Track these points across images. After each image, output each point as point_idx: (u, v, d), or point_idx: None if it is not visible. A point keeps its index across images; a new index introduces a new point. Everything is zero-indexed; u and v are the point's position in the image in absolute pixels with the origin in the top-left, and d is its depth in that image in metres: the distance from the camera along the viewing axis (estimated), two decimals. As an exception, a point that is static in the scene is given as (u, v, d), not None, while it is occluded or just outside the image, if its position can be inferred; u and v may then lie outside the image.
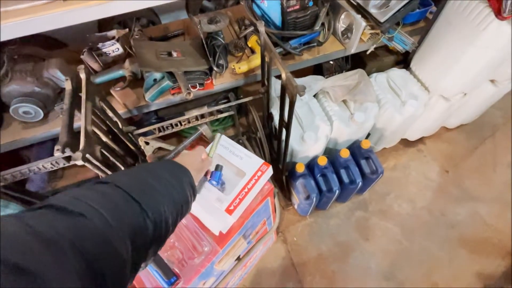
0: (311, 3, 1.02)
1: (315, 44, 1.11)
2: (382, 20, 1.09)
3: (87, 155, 0.63)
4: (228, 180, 0.64)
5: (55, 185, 1.42)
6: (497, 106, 1.55)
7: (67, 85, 0.75)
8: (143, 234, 0.34)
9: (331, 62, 1.39)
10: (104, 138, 0.81)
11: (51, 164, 0.93)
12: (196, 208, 0.62)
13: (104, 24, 1.45)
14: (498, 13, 0.88)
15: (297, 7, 1.01)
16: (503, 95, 1.37)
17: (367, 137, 1.40)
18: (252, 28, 1.17)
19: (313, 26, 1.06)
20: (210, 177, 0.64)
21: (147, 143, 0.69)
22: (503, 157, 1.49)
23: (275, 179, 1.44)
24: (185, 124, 1.03)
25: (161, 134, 1.07)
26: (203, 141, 0.72)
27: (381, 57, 1.37)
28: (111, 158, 0.79)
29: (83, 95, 0.73)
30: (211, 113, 1.11)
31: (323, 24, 1.08)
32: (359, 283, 1.18)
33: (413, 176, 1.45)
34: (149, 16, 1.60)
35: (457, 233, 1.28)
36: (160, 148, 0.73)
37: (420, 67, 1.26)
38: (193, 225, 0.62)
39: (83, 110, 0.69)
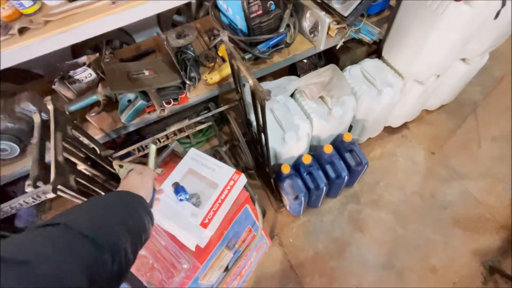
0: (273, 7, 1.04)
1: (284, 45, 1.12)
2: (346, 14, 1.10)
3: (59, 186, 0.63)
4: (202, 194, 0.64)
5: (45, 217, 1.41)
6: (474, 83, 1.57)
7: (36, 118, 0.75)
8: (101, 270, 0.34)
9: (305, 61, 1.40)
10: (80, 166, 0.81)
11: (33, 198, 0.92)
12: (171, 226, 0.62)
13: (77, 50, 1.46)
14: (453, -6, 0.89)
15: (260, 12, 1.03)
16: (478, 71, 1.39)
17: (349, 130, 1.41)
18: (220, 38, 1.18)
19: (278, 28, 1.07)
20: (176, 194, 0.64)
21: (121, 166, 0.68)
22: (486, 132, 1.50)
23: (266, 182, 1.45)
24: (164, 141, 1.04)
25: (141, 153, 1.07)
26: (178, 157, 0.72)
27: (353, 49, 1.38)
28: (90, 185, 0.79)
29: (51, 126, 0.72)
30: (189, 126, 1.11)
31: (288, 25, 1.10)
32: (358, 277, 1.18)
33: (400, 163, 1.46)
34: (121, 37, 1.61)
35: (449, 214, 1.29)
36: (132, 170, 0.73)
37: (391, 55, 1.28)
38: (171, 244, 0.62)
39: (52, 141, 0.69)
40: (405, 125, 1.56)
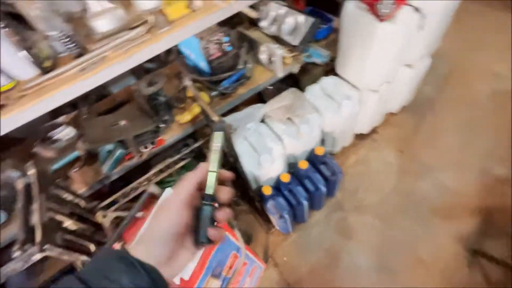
0: (229, 48, 1.16)
1: (245, 79, 1.24)
2: (295, 44, 1.24)
3: (46, 246, 0.67)
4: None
5: (38, 280, 1.38)
6: (427, 82, 1.73)
7: (19, 184, 0.80)
8: None
9: (270, 87, 1.52)
10: (67, 222, 0.85)
11: (22, 262, 0.94)
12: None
13: (55, 110, 1.53)
14: (378, 17, 1.04)
15: (218, 54, 1.15)
16: (425, 72, 1.55)
17: (323, 143, 1.51)
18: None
19: (236, 66, 1.19)
20: None
21: (104, 216, 0.73)
22: (445, 124, 1.63)
23: (253, 206, 1.50)
24: (146, 184, 1.09)
25: (127, 199, 1.11)
26: (156, 198, 0.78)
27: (311, 70, 1.52)
28: (78, 240, 0.83)
29: (34, 189, 0.78)
30: (170, 165, 1.17)
31: (245, 61, 1.22)
32: (354, 284, 1.21)
33: (374, 166, 1.55)
34: (97, 91, 1.70)
35: (427, 206, 1.36)
36: (117, 217, 0.78)
37: (344, 70, 1.42)
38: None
39: (36, 204, 0.74)
40: (374, 130, 1.68)
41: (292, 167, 1.46)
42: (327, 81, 1.45)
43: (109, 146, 1.10)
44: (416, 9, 1.09)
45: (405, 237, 1.29)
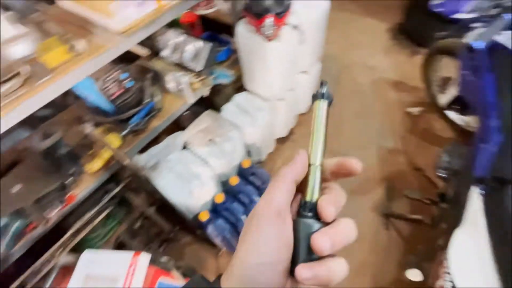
0: (131, 83, 1.12)
1: (156, 111, 1.21)
2: (199, 69, 1.29)
3: None
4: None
5: None
6: (332, 87, 2.01)
7: None
8: None
9: (186, 113, 1.53)
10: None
11: None
12: None
13: None
14: (265, 38, 1.17)
15: (120, 91, 1.10)
16: (320, 74, 1.80)
17: (249, 155, 1.59)
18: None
19: (143, 100, 1.16)
20: None
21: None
22: (345, 114, 1.93)
23: (196, 235, 1.45)
24: (61, 251, 0.95)
25: (40, 275, 0.94)
26: (71, 269, 0.68)
27: (223, 90, 1.59)
28: None
29: None
30: (87, 222, 1.05)
31: (152, 94, 1.20)
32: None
33: (299, 163, 1.71)
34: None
35: (348, 188, 1.57)
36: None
37: (252, 86, 1.53)
38: None
39: None
40: (291, 132, 1.85)
41: (225, 185, 1.49)
42: (240, 98, 1.54)
43: (2, 221, 0.92)
44: (295, 27, 1.27)
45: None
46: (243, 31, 1.26)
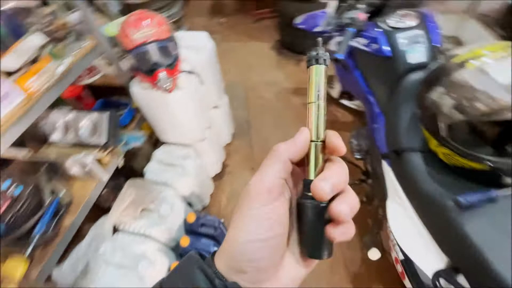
0: (18, 189, 0.92)
1: (65, 207, 1.03)
2: (103, 142, 1.16)
3: None
4: None
5: None
6: (236, 107, 2.13)
7: None
8: None
9: (105, 191, 1.35)
10: None
11: None
12: None
13: None
14: (165, 91, 1.16)
15: (6, 204, 0.89)
16: (228, 105, 1.87)
17: (191, 206, 1.50)
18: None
19: (43, 201, 0.97)
20: None
21: None
22: (266, 129, 2.05)
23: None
24: None
25: None
26: None
27: (139, 152, 1.48)
28: None
29: None
30: None
31: (53, 189, 1.01)
32: None
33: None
34: None
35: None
36: None
37: (168, 137, 1.47)
38: None
39: None
40: (224, 165, 1.85)
41: (177, 249, 1.36)
42: (160, 153, 1.46)
43: None
44: (190, 72, 1.30)
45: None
46: (139, 91, 1.21)
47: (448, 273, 0.58)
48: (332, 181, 0.22)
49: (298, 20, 1.46)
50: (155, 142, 1.58)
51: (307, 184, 0.22)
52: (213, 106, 1.66)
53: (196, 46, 1.40)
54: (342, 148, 0.24)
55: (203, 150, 1.56)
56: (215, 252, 0.25)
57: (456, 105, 0.58)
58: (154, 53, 1.04)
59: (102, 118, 1.16)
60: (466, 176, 0.64)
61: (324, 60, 0.23)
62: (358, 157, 1.28)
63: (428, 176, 0.69)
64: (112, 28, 1.25)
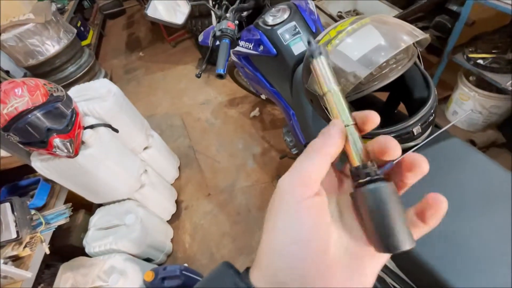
0: None
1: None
2: (14, 237, 1.00)
3: None
4: None
5: None
6: (176, 138, 2.04)
7: None
8: None
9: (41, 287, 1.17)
10: None
11: None
12: None
13: None
14: (69, 157, 1.04)
15: None
16: (161, 140, 1.77)
17: (150, 261, 1.37)
18: None
19: None
20: None
21: None
22: (213, 150, 1.98)
23: None
24: None
25: None
26: None
27: (70, 228, 1.32)
28: None
29: None
30: None
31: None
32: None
33: (204, 223, 1.62)
34: None
35: (249, 206, 1.61)
36: None
37: (99, 198, 1.34)
38: None
39: None
40: (178, 201, 1.74)
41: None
42: (96, 218, 1.31)
43: None
44: (96, 125, 1.18)
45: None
46: (42, 165, 1.07)
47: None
48: (391, 142, 0.20)
49: (200, 38, 1.42)
50: (89, 208, 1.43)
51: (359, 170, 0.20)
52: (143, 148, 1.55)
53: (98, 95, 1.29)
54: (373, 116, 0.21)
55: (146, 198, 1.44)
56: (249, 267, 0.21)
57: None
58: (35, 122, 0.92)
59: (5, 210, 1.00)
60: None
61: (320, 52, 0.23)
62: (296, 152, 1.27)
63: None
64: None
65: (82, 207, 1.41)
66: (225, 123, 2.16)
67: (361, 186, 0.20)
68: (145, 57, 3.21)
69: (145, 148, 1.58)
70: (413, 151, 0.57)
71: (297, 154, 1.28)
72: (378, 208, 0.19)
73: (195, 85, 2.57)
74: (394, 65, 0.54)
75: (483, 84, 1.27)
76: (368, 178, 0.19)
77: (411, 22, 1.42)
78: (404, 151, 0.58)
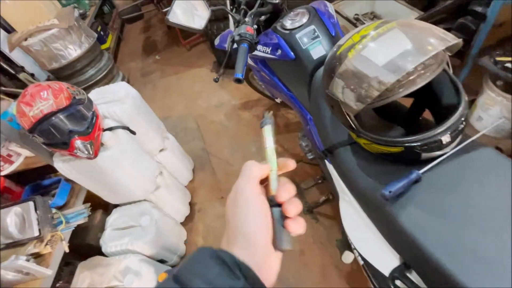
0: None
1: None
2: (37, 235, 1.04)
3: None
4: None
5: None
6: (189, 140, 2.07)
7: None
8: None
9: (59, 284, 1.20)
10: None
11: None
12: None
13: None
14: (89, 158, 1.06)
15: None
16: (177, 143, 1.80)
17: (165, 261, 1.38)
18: None
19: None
20: None
21: None
22: (225, 152, 1.99)
23: None
24: None
25: None
26: None
27: (89, 226, 1.35)
28: None
29: None
30: None
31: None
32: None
33: (217, 225, 1.62)
34: None
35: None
36: None
37: (117, 199, 1.36)
38: None
39: None
40: (191, 204, 1.75)
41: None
42: (113, 219, 1.34)
43: None
44: (115, 127, 1.21)
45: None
46: (64, 165, 1.11)
47: (400, 271, 0.53)
48: (289, 192, 0.32)
49: (216, 41, 1.43)
50: (103, 212, 1.46)
51: (270, 198, 0.31)
52: (158, 150, 1.58)
53: (117, 98, 1.32)
54: (292, 165, 0.35)
55: (161, 200, 1.46)
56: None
57: (354, 95, 0.56)
58: (58, 124, 0.95)
59: (28, 208, 1.03)
60: (390, 162, 0.61)
61: (268, 123, 0.36)
62: (311, 157, 1.25)
63: (359, 168, 0.66)
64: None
65: (100, 207, 1.45)
66: (239, 125, 2.16)
67: (271, 206, 0.31)
68: (161, 60, 3.28)
69: (161, 150, 1.60)
70: (441, 160, 0.55)
71: (313, 159, 1.26)
72: (274, 222, 0.30)
73: (210, 88, 2.60)
74: (422, 71, 0.51)
75: (511, 89, 1.21)
76: (273, 203, 0.31)
77: (432, 24, 1.38)
78: (431, 160, 0.55)
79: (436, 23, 1.55)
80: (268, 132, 0.35)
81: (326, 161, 0.87)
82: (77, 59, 2.37)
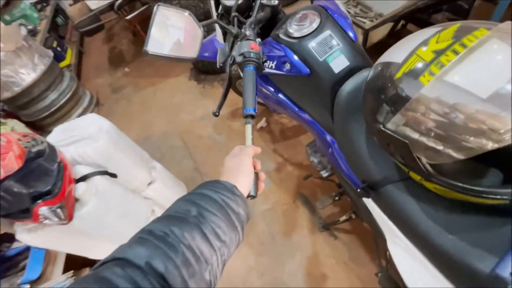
0: None
1: None
2: None
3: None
4: None
5: None
6: (178, 161, 1.87)
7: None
8: None
9: None
10: None
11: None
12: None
13: None
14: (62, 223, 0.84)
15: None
16: (164, 169, 1.59)
17: None
18: None
19: None
20: None
21: None
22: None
23: None
24: None
25: None
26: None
27: None
28: None
29: None
30: None
31: None
32: None
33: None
34: None
35: (278, 226, 1.44)
36: None
37: (103, 254, 1.14)
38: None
39: None
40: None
41: None
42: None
43: None
44: (89, 175, 0.99)
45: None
46: (30, 237, 0.87)
47: None
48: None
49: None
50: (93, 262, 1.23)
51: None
52: (146, 184, 1.36)
53: (87, 135, 1.09)
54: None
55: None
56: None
57: (434, 135, 0.40)
58: (10, 192, 0.72)
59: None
60: (468, 205, 0.46)
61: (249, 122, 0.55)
62: (326, 174, 1.09)
63: (420, 210, 0.51)
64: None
65: (88, 263, 1.22)
66: (230, 138, 1.97)
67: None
68: (131, 72, 2.97)
69: (149, 184, 1.39)
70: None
71: (328, 177, 1.10)
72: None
73: (191, 98, 2.37)
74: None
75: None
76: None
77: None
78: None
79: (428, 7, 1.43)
80: (249, 129, 0.55)
81: (365, 198, 0.71)
82: (32, 84, 2.06)
